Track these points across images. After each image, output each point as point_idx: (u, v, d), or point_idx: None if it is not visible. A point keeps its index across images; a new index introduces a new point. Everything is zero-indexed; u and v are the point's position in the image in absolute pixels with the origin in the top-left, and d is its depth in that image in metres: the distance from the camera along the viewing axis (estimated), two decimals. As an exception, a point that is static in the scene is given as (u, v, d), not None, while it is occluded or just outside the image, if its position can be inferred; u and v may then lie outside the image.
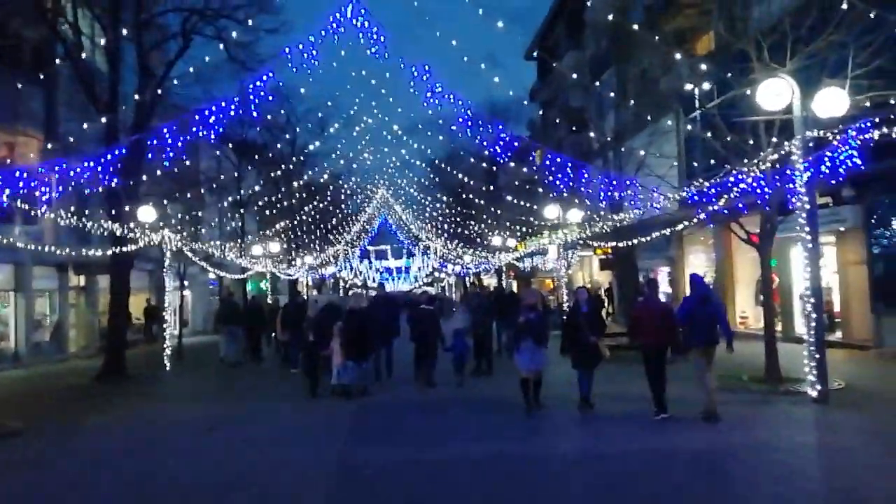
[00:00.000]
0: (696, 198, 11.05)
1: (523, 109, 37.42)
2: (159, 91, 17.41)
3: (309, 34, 10.52)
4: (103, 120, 15.85)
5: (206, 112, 11.40)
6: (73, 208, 15.45)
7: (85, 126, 15.84)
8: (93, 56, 20.41)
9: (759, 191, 9.95)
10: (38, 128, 19.98)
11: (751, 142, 11.19)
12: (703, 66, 13.05)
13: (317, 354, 12.06)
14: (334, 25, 10.26)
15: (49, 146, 18.72)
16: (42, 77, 19.21)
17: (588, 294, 10.59)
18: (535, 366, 9.71)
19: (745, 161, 10.71)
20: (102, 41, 17.42)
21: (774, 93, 9.52)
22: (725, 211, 10.96)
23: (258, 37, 18.91)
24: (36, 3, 16.27)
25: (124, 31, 16.52)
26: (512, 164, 14.50)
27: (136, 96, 16.71)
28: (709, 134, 12.20)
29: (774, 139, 10.78)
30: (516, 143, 12.42)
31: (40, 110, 20.13)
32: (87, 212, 15.71)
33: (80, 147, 15.73)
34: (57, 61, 19.15)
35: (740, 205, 10.74)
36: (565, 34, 31.54)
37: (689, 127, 12.35)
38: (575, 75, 22.25)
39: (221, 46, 17.80)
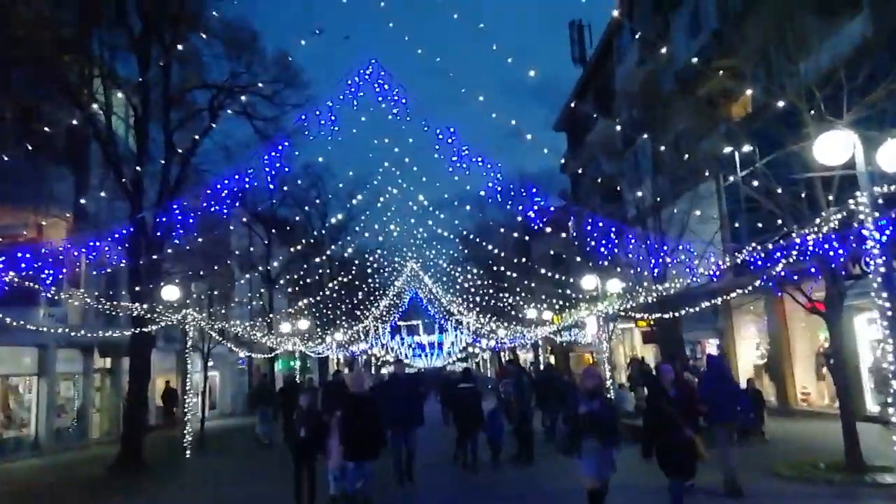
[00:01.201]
0: (756, 261, 9.99)
1: (554, 180, 37.16)
2: (185, 168, 17.34)
3: (328, 100, 10.14)
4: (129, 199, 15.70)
5: (226, 183, 10.94)
6: (93, 290, 15.08)
7: (111, 204, 15.71)
8: (125, 138, 20.64)
9: (830, 253, 8.89)
10: (67, 209, 19.97)
11: (805, 201, 10.26)
12: (745, 128, 12.33)
13: (308, 457, 9.15)
14: (353, 90, 9.85)
15: (77, 227, 18.66)
16: (71, 158, 19.37)
17: (675, 372, 8.46)
18: (605, 473, 7.06)
19: (803, 222, 9.76)
20: (132, 120, 17.55)
21: (834, 147, 8.67)
22: (794, 276, 9.88)
23: (284, 111, 18.96)
24: (67, 89, 16.40)
25: (152, 110, 16.61)
26: (547, 231, 13.64)
27: (162, 173, 16.63)
28: (757, 194, 11.29)
29: (832, 197, 9.86)
30: (552, 209, 11.66)
31: (69, 191, 20.17)
32: (111, 293, 15.35)
33: (108, 227, 15.50)
34: (86, 143, 19.31)
35: (812, 269, 9.61)
36: (594, 103, 31.36)
37: (740, 184, 11.45)
38: (606, 141, 21.73)
39: (247, 120, 17.82)
